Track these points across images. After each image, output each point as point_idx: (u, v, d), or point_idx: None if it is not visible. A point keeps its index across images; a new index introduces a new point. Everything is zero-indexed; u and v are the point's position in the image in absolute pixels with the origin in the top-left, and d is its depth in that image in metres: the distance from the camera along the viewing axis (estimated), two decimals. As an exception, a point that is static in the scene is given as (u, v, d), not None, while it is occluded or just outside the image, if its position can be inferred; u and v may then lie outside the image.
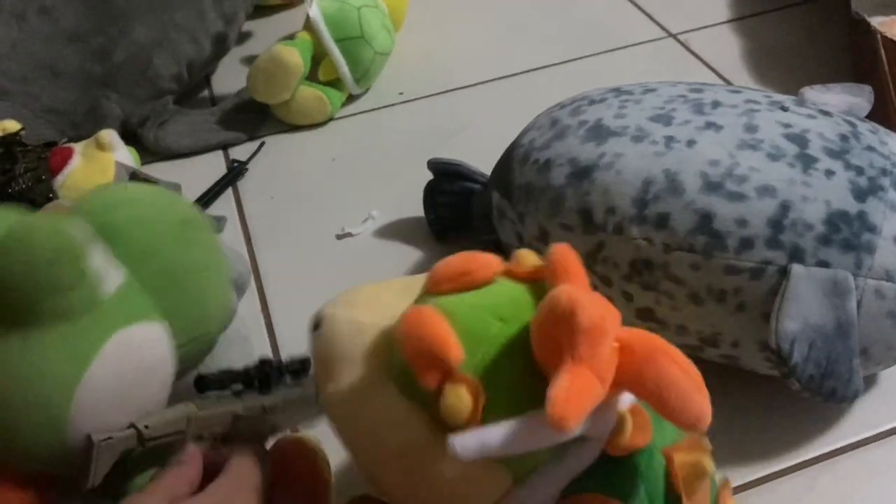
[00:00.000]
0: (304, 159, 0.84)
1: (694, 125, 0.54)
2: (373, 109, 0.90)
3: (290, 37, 0.86)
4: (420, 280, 0.39)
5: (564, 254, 0.36)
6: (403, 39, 0.97)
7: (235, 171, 0.81)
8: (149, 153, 0.84)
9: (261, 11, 1.03)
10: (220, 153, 0.85)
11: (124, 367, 0.42)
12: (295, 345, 0.65)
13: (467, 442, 0.32)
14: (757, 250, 0.49)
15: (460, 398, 0.33)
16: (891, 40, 0.77)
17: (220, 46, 0.92)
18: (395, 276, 0.69)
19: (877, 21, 0.80)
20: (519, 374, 0.34)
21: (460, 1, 1.07)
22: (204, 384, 0.48)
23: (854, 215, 0.49)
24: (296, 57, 0.82)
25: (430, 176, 0.72)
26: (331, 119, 0.88)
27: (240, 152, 0.85)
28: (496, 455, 0.32)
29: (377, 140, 0.86)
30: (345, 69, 0.86)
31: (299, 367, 0.50)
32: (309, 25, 0.86)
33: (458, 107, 0.89)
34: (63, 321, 0.41)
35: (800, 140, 0.52)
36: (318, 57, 0.86)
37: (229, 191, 0.80)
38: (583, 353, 0.31)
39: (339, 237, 0.75)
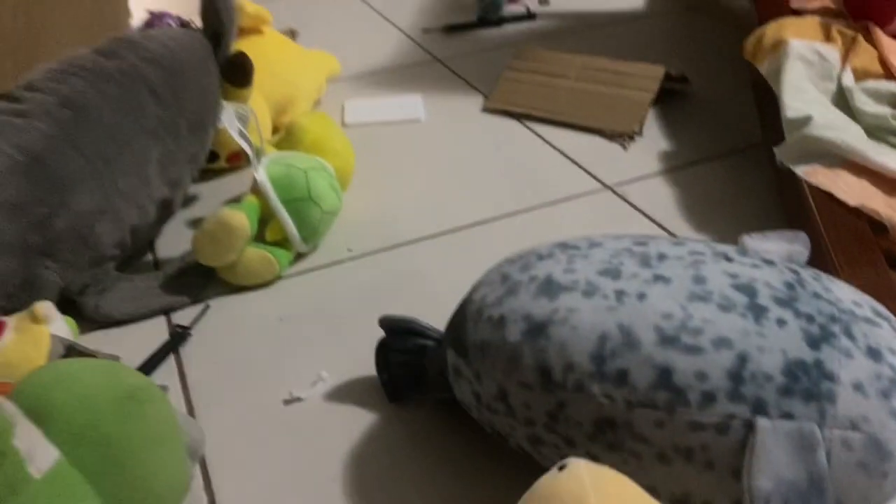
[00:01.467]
0: (251, 321, 0.82)
1: (643, 278, 0.55)
2: (322, 267, 0.90)
3: (237, 199, 0.87)
4: None
5: None
6: (351, 198, 0.99)
7: (178, 337, 0.78)
8: (88, 321, 0.80)
9: (207, 174, 1.04)
10: (162, 319, 0.82)
11: None
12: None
13: None
14: (720, 404, 0.49)
15: None
16: (816, 188, 0.81)
17: (166, 211, 0.91)
18: (346, 441, 0.67)
19: (801, 170, 0.84)
20: None
21: (405, 160, 1.10)
22: None
23: (811, 364, 0.49)
24: (242, 220, 0.82)
25: (381, 333, 0.71)
26: (279, 278, 0.87)
27: (184, 317, 0.82)
28: None
29: (326, 298, 0.84)
30: (292, 229, 0.86)
31: None
32: (256, 188, 0.86)
33: (407, 261, 0.89)
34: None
35: (748, 290, 0.53)
36: (266, 218, 0.86)
37: (171, 358, 0.77)
38: None
39: (286, 402, 0.71)
